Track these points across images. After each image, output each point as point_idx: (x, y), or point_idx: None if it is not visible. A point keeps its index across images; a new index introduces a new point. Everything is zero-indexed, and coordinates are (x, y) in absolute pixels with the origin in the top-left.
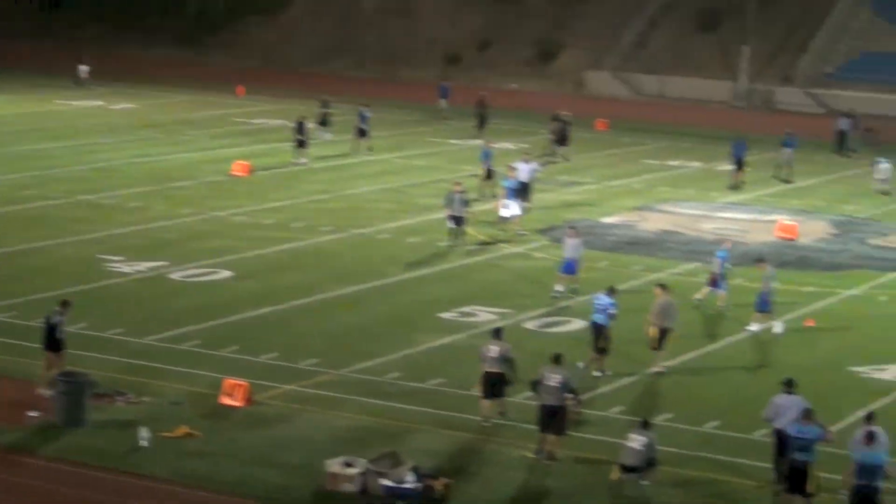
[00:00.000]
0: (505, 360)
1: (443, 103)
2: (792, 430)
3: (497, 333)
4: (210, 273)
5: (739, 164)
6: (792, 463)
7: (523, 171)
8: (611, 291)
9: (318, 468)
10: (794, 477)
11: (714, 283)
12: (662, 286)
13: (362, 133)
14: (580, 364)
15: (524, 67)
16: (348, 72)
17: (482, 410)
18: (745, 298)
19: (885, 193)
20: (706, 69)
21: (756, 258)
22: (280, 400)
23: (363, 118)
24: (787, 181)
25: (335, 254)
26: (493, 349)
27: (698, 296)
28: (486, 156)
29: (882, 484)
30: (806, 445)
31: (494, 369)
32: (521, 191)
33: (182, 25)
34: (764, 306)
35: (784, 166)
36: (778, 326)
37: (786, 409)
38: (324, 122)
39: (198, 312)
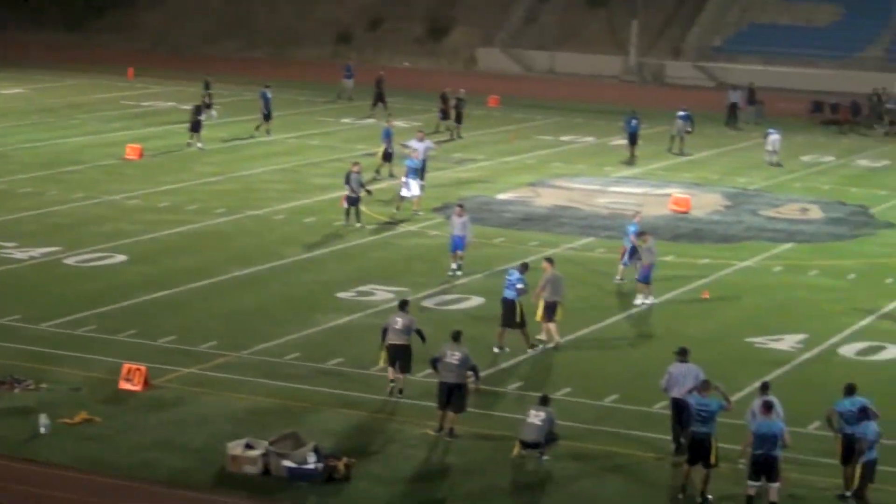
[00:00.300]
0: (411, 331)
1: (348, 83)
2: (692, 402)
3: (403, 306)
4: (105, 257)
5: (633, 140)
6: (693, 435)
7: (418, 149)
8: (523, 268)
9: (220, 451)
10: (696, 448)
11: (626, 256)
12: (549, 260)
13: (266, 114)
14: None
15: (415, 45)
16: (239, 53)
17: (391, 375)
18: (665, 272)
19: (776, 165)
20: (596, 44)
21: (639, 231)
22: (179, 383)
23: (266, 99)
24: (681, 154)
25: (230, 235)
26: (399, 321)
27: (618, 277)
28: (387, 135)
29: (780, 452)
30: (707, 417)
31: (400, 341)
32: (418, 169)
33: (70, 8)
34: (646, 279)
35: (677, 138)
36: (649, 298)
37: (682, 378)
38: (207, 104)
39: (94, 297)
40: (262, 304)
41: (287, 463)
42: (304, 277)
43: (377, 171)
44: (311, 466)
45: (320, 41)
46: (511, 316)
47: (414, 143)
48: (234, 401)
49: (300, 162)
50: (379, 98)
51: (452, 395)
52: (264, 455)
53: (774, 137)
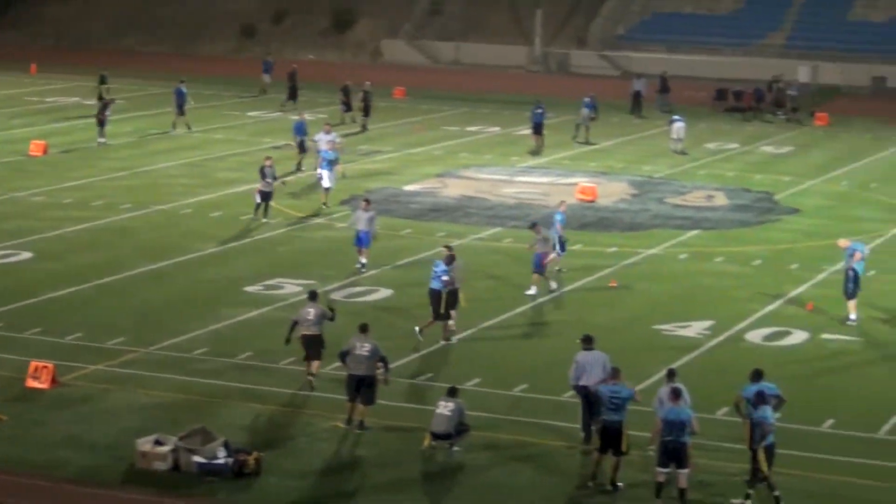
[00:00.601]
0: (323, 321)
1: (266, 78)
2: (605, 391)
3: (312, 296)
4: (10, 255)
5: (538, 129)
6: (605, 423)
7: (324, 141)
8: (449, 259)
9: (129, 447)
10: (608, 436)
11: (555, 246)
12: (448, 248)
13: (180, 109)
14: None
15: (321, 38)
16: (143, 47)
17: (308, 367)
18: (573, 261)
19: (681, 153)
20: (501, 35)
21: (530, 223)
22: (87, 380)
23: (180, 95)
24: (586, 142)
25: (137, 231)
26: (311, 311)
27: (555, 267)
28: (300, 128)
29: (689, 439)
30: (619, 405)
31: (312, 332)
32: (332, 161)
33: None
34: (538, 268)
35: (582, 127)
36: (534, 289)
37: (589, 366)
38: (103, 98)
39: None
40: (169, 300)
41: (197, 458)
42: (212, 272)
43: (298, 166)
44: (221, 461)
45: (225, 35)
46: (439, 306)
47: (321, 136)
48: (142, 397)
49: (206, 156)
50: (292, 92)
51: (362, 388)
52: (174, 451)
53: (679, 125)
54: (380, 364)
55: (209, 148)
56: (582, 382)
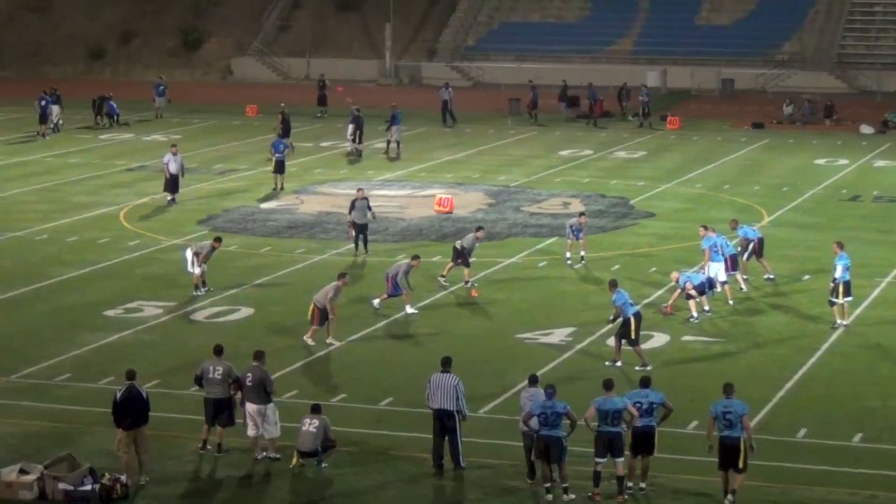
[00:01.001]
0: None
1: (159, 101)
2: (537, 408)
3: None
4: None
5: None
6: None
7: (173, 162)
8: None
9: None
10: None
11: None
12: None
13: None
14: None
15: (169, 58)
16: None
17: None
18: (434, 271)
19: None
20: (351, 49)
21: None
22: None
23: (45, 105)
24: (396, 157)
25: None
26: (220, 369)
27: (469, 279)
28: (277, 146)
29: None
30: (648, 410)
31: (219, 395)
32: (172, 183)
33: None
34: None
35: (393, 142)
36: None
37: (436, 389)
38: None
39: None
40: (27, 327)
41: (63, 486)
42: (70, 297)
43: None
44: (88, 488)
45: (72, 57)
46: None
47: (168, 158)
48: (4, 426)
49: (60, 181)
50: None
51: (219, 410)
52: (39, 479)
53: (396, 127)
54: (234, 385)
55: (63, 172)
56: (434, 405)
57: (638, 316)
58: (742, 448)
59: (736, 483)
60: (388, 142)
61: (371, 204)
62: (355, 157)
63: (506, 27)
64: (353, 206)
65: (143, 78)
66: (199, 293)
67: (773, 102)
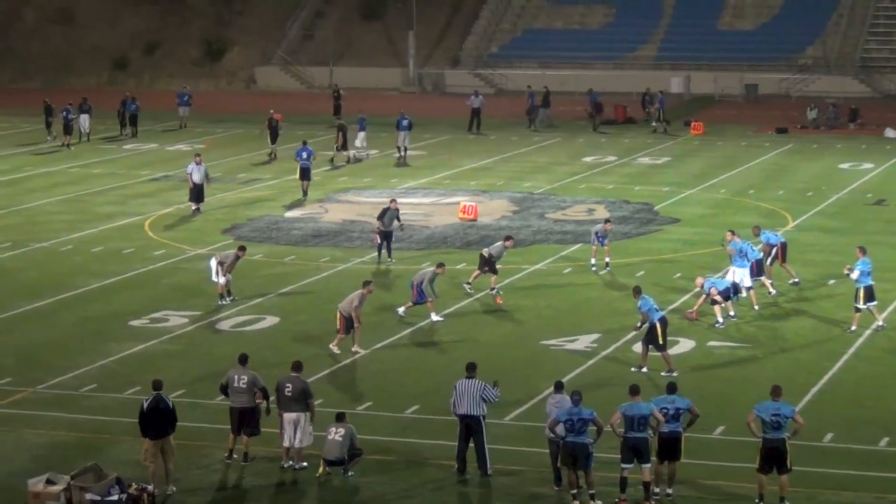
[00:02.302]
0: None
1: (183, 111)
2: (586, 414)
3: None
4: None
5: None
6: (660, 435)
7: (196, 172)
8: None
9: (20, 488)
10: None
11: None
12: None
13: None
14: None
15: (193, 68)
16: (13, 83)
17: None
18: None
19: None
20: (375, 57)
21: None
22: None
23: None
24: (404, 164)
25: (18, 269)
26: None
27: (494, 286)
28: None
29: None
30: (674, 415)
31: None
32: (197, 192)
33: None
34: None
35: (402, 148)
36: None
37: (462, 395)
38: None
39: None
40: (54, 337)
41: (90, 496)
42: (96, 307)
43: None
44: (115, 498)
45: (96, 68)
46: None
47: (192, 167)
48: (32, 437)
49: (85, 191)
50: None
51: (244, 419)
52: (66, 490)
53: (363, 134)
54: (260, 394)
55: (87, 182)
56: (460, 412)
57: (664, 321)
58: (788, 449)
59: (784, 490)
60: (398, 147)
61: (405, 213)
62: (353, 162)
63: (529, 34)
64: (383, 214)
65: (167, 88)
66: (224, 302)
67: (797, 107)
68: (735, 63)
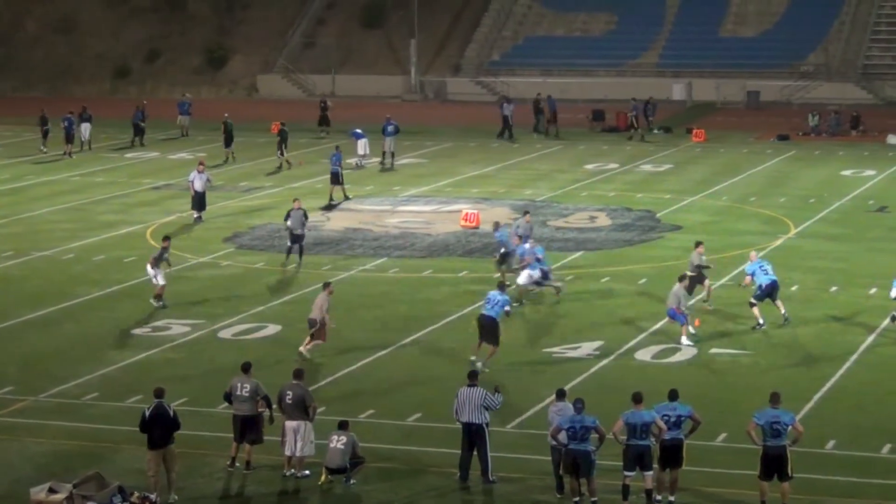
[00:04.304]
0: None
1: (183, 120)
2: (588, 422)
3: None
4: None
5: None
6: (663, 443)
7: (198, 180)
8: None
9: (23, 497)
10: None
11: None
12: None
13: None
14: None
15: (195, 76)
16: (16, 92)
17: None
18: (462, 287)
19: (362, 167)
20: (376, 65)
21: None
22: None
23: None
24: (390, 168)
25: (20, 278)
26: (248, 386)
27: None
28: (337, 159)
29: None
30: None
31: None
32: (198, 200)
33: None
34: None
35: (388, 154)
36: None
37: (465, 403)
38: None
39: None
40: (56, 346)
41: None
42: (98, 316)
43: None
44: None
45: (98, 76)
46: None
47: (194, 175)
48: (34, 445)
49: (87, 200)
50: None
51: (247, 428)
52: (69, 498)
53: (363, 140)
54: (262, 402)
55: (89, 191)
56: (462, 419)
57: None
58: (788, 456)
59: (785, 497)
60: (384, 153)
61: (398, 220)
62: (281, 169)
63: (530, 42)
64: (288, 216)
65: (169, 96)
66: (157, 304)
67: (799, 114)
68: (737, 70)
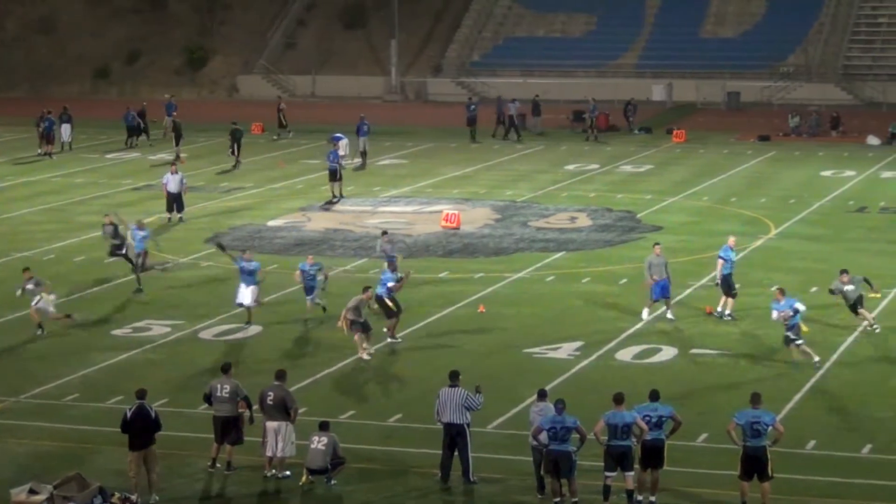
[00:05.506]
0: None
1: (169, 121)
2: (569, 423)
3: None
4: None
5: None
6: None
7: (172, 182)
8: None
9: (3, 497)
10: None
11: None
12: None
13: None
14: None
15: (175, 76)
16: None
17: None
18: (441, 288)
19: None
20: (357, 66)
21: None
22: None
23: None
24: (362, 167)
25: (0, 279)
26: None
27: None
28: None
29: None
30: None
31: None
32: (172, 202)
33: None
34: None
35: (360, 154)
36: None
37: (446, 403)
38: None
39: None
40: (36, 347)
41: None
42: (78, 317)
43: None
44: None
45: (78, 77)
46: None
47: (168, 177)
48: (14, 446)
49: (66, 201)
50: (145, 129)
51: (227, 428)
52: (49, 499)
53: (344, 142)
54: (243, 403)
55: (69, 192)
56: (444, 420)
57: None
58: (769, 456)
59: (765, 497)
60: (360, 153)
61: (378, 221)
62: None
63: (510, 42)
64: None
65: (149, 97)
66: (39, 332)
67: (779, 115)
68: (717, 71)
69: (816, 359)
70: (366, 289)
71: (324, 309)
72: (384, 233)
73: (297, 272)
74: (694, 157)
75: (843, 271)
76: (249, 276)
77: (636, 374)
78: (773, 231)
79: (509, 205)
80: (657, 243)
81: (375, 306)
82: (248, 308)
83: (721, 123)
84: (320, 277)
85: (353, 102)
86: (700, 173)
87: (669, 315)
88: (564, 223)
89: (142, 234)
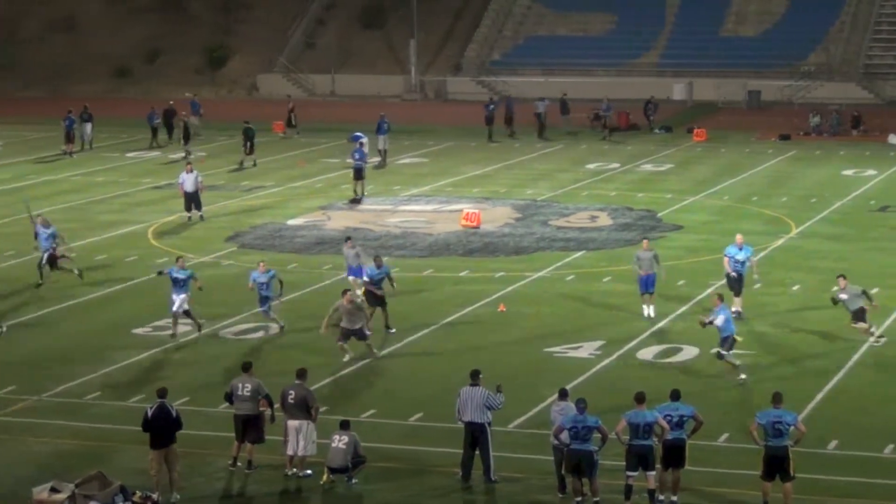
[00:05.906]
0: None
1: (194, 119)
2: (591, 422)
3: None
4: None
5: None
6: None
7: (188, 181)
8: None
9: (25, 496)
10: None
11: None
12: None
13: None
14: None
15: (195, 76)
16: (17, 93)
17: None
18: (462, 287)
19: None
20: (376, 65)
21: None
22: None
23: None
24: (383, 166)
25: (20, 278)
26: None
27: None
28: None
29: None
30: (678, 423)
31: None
32: (189, 200)
33: None
34: None
35: (379, 152)
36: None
37: (467, 402)
38: None
39: None
40: (58, 346)
41: None
42: (99, 315)
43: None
44: None
45: (98, 76)
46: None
47: (183, 176)
48: (36, 445)
49: (87, 199)
50: (170, 129)
51: (248, 427)
52: (71, 498)
53: (364, 141)
54: (264, 401)
55: (90, 191)
56: (465, 419)
57: None
58: (790, 456)
59: (787, 497)
60: (379, 151)
61: (398, 220)
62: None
63: (531, 41)
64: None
65: (169, 96)
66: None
67: (800, 114)
68: (738, 70)
69: (743, 376)
70: (345, 292)
71: (281, 328)
72: (347, 238)
73: (250, 282)
74: (714, 157)
75: (841, 276)
76: (182, 284)
77: (657, 373)
78: (794, 230)
79: (530, 204)
80: (646, 238)
81: (361, 299)
82: (175, 314)
83: (741, 122)
84: (275, 285)
85: (372, 101)
86: (721, 172)
87: (649, 311)
88: (585, 222)
89: (47, 231)
